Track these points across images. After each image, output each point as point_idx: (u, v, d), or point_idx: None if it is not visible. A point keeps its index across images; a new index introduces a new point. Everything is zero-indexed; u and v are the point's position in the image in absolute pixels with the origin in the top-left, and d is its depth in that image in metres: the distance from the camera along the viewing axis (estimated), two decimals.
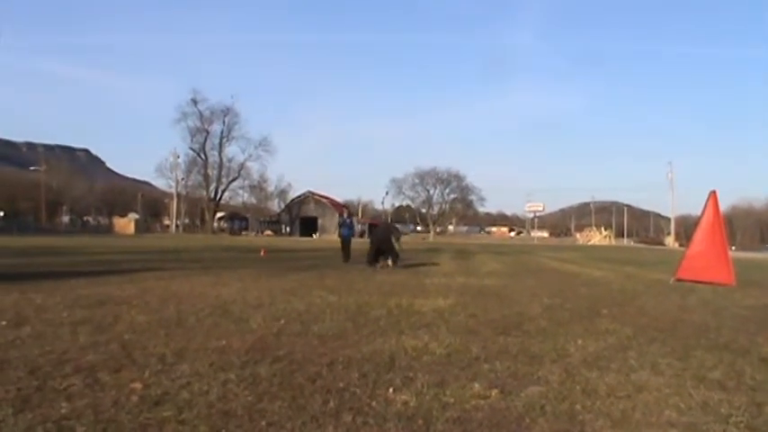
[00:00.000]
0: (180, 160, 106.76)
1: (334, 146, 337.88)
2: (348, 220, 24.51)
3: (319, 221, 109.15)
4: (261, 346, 6.27)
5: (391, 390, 4.78)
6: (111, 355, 5.72)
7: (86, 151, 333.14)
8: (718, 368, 5.86)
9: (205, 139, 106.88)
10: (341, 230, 24.18)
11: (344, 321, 8.21)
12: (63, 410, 4.05)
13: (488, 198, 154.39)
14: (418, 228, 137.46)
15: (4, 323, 7.34)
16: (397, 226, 31.98)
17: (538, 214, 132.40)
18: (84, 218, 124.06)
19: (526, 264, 27.56)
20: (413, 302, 10.48)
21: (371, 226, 21.34)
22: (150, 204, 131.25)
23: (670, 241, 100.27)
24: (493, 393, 4.76)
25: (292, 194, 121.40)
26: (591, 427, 4.12)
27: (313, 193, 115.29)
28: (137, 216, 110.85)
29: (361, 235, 26.04)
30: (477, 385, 4.97)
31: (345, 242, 22.91)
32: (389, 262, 20.23)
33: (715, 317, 9.75)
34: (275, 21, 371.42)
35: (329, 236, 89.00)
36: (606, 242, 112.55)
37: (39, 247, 32.16)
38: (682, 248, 40.69)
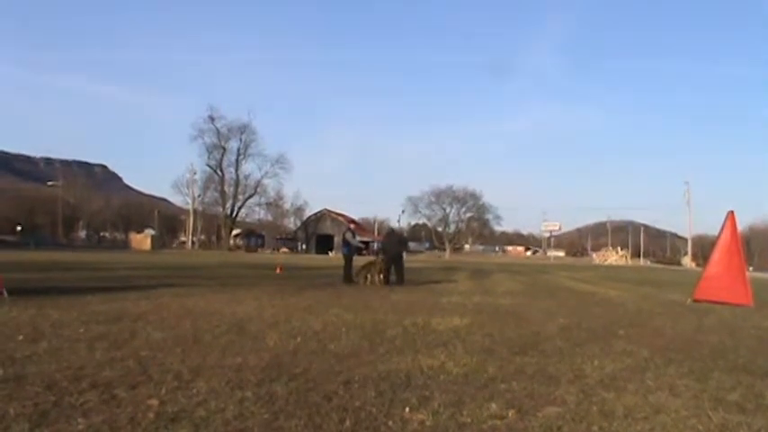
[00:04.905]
0: (197, 177, 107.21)
1: (351, 164, 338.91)
2: (346, 235, 23.67)
3: (335, 239, 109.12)
4: (277, 364, 6.27)
5: (408, 409, 4.76)
6: (128, 371, 5.74)
7: (103, 167, 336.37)
8: (736, 390, 5.81)
9: (222, 156, 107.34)
10: (343, 249, 23.53)
11: (360, 340, 8.20)
12: (80, 426, 4.07)
13: (505, 217, 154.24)
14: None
15: (21, 338, 7.39)
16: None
17: (554, 234, 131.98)
18: (101, 233, 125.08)
19: (542, 283, 27.44)
20: (429, 321, 10.44)
21: (385, 238, 20.73)
22: (167, 220, 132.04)
23: (687, 261, 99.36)
24: (510, 413, 4.73)
25: (308, 212, 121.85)
26: None
27: (329, 211, 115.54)
28: (153, 232, 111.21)
29: (377, 253, 25.75)
30: (493, 405, 4.95)
31: (345, 260, 22.22)
32: (378, 279, 20.13)
33: (733, 338, 9.66)
34: (292, 39, 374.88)
35: None
36: (622, 262, 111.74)
37: (55, 262, 32.37)
38: (699, 269, 40.39)
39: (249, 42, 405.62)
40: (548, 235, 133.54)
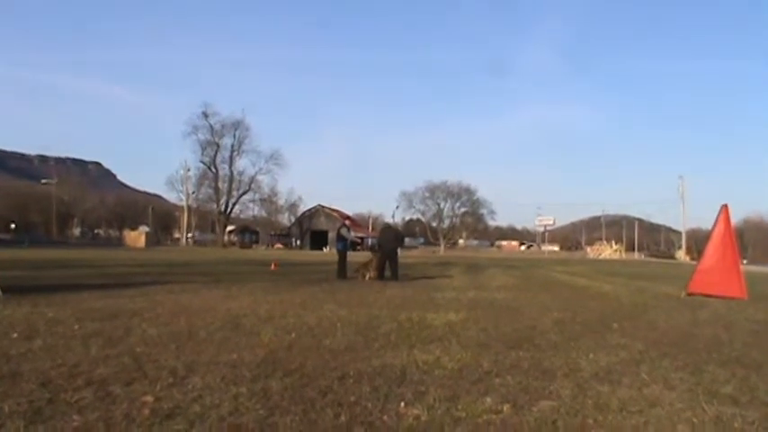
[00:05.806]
0: (191, 173, 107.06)
1: (345, 159, 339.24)
2: (341, 231, 23.69)
3: (330, 235, 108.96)
4: (272, 360, 6.27)
5: (403, 404, 4.76)
6: (123, 368, 5.73)
7: (98, 164, 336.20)
8: (730, 383, 5.82)
9: (216, 153, 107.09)
10: (337, 244, 23.52)
11: (355, 335, 8.20)
12: (75, 423, 4.06)
13: (499, 212, 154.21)
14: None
15: (15, 335, 7.37)
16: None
17: (548, 228, 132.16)
18: (95, 230, 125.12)
19: (537, 278, 27.47)
20: (424, 316, 10.44)
21: (381, 233, 20.73)
22: (161, 217, 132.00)
23: (681, 255, 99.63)
24: (505, 408, 4.73)
25: (303, 208, 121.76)
26: None
27: (323, 207, 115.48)
28: (147, 229, 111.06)
29: (372, 248, 25.58)
30: (488, 399, 4.95)
31: (339, 256, 22.22)
32: (370, 275, 20.12)
33: (727, 331, 9.69)
34: (287, 38, 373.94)
35: None
36: (617, 256, 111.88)
37: (50, 259, 32.26)
38: (693, 262, 40.47)
39: (245, 41, 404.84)
40: (542, 229, 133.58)
